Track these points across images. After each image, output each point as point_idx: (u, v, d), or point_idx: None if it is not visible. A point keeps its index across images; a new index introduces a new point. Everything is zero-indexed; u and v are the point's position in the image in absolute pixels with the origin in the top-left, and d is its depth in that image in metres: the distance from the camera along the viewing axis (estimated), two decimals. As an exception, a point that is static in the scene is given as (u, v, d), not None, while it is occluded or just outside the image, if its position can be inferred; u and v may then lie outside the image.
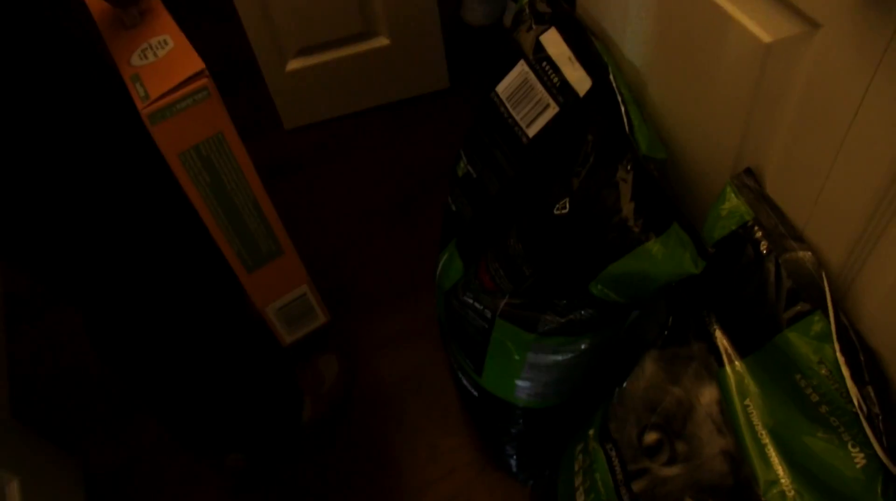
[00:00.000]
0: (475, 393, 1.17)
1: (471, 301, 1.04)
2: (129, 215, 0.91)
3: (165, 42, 0.88)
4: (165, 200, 0.94)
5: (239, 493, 1.37)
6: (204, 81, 0.83)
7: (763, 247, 0.76)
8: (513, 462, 1.26)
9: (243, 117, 1.97)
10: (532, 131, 0.96)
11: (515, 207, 1.00)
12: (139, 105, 0.81)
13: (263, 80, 1.87)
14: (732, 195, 0.81)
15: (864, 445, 0.69)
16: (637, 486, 0.87)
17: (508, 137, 1.00)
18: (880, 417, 0.68)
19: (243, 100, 2.02)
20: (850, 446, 0.71)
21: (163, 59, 0.86)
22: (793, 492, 0.74)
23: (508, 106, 0.99)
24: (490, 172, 1.06)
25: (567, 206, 0.90)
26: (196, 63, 0.84)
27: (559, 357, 1.00)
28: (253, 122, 1.99)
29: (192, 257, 1.02)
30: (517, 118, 0.98)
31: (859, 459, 0.70)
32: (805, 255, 0.75)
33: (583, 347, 1.00)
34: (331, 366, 1.46)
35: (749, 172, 0.82)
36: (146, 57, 0.87)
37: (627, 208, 0.83)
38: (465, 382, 1.20)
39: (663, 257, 0.80)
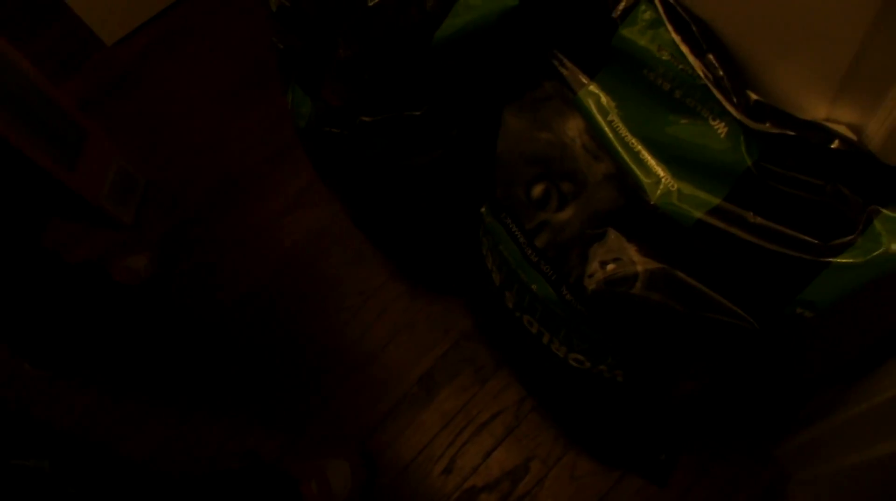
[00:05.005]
0: (373, 222, 1.16)
1: (328, 128, 1.00)
2: None
3: None
4: None
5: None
6: None
7: (572, -44, 0.73)
8: (437, 278, 1.26)
9: (58, 48, 1.86)
10: (322, -69, 0.90)
11: (338, 17, 0.95)
12: None
13: (66, 4, 1.72)
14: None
15: (722, 114, 0.69)
16: (540, 241, 0.88)
17: (302, -54, 0.93)
18: (725, 78, 0.67)
19: (53, 32, 1.88)
20: (710, 120, 0.71)
21: None
22: (675, 185, 0.75)
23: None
24: (302, -5, 0.99)
25: (380, -8, 0.85)
26: None
27: (433, 154, 0.98)
28: (71, 49, 1.84)
29: None
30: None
31: (721, 128, 0.70)
32: (615, -53, 0.72)
33: (452, 135, 0.97)
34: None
35: None
36: None
37: (434, -31, 0.79)
38: (358, 216, 1.18)
39: (482, 1, 0.77)
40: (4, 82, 0.92)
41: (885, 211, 0.65)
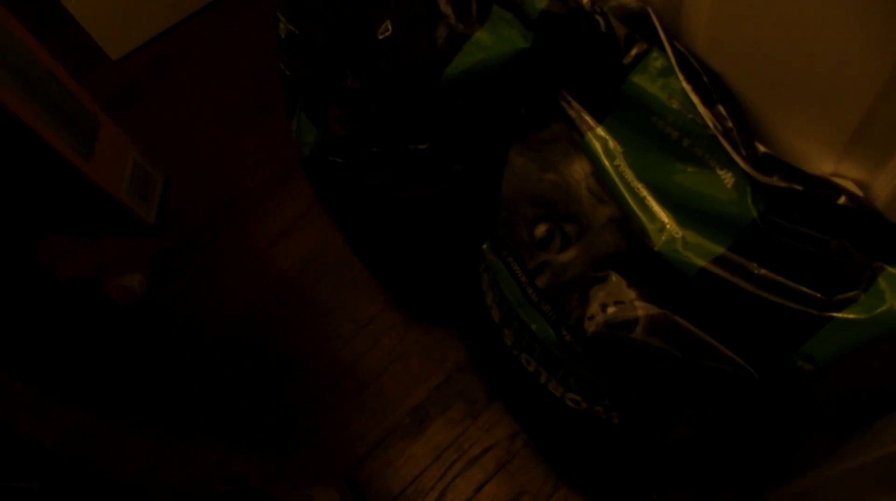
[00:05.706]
0: (372, 252, 1.15)
1: (332, 158, 1.00)
2: None
3: None
4: None
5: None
6: None
7: (585, 1, 0.74)
8: (433, 309, 1.26)
9: (64, 60, 1.85)
10: (335, -37, 0.90)
11: (346, 48, 0.95)
12: None
13: (72, 17, 1.73)
14: (544, -41, 0.77)
15: (730, 164, 0.70)
16: (541, 281, 0.87)
17: (314, -23, 0.94)
18: (734, 129, 0.68)
19: (58, 43, 1.87)
20: (717, 170, 0.71)
21: None
22: (680, 233, 0.75)
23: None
24: (312, 24, 1.00)
25: (389, 28, 0.86)
26: None
27: (435, 188, 0.98)
28: (75, 61, 1.84)
29: None
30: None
31: (728, 179, 0.70)
32: (628, -3, 0.73)
33: (456, 170, 0.97)
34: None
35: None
36: None
37: (446, 8, 0.80)
38: (357, 244, 1.17)
39: (493, 42, 0.77)
40: (25, 70, 0.91)
41: (889, 268, 0.65)
